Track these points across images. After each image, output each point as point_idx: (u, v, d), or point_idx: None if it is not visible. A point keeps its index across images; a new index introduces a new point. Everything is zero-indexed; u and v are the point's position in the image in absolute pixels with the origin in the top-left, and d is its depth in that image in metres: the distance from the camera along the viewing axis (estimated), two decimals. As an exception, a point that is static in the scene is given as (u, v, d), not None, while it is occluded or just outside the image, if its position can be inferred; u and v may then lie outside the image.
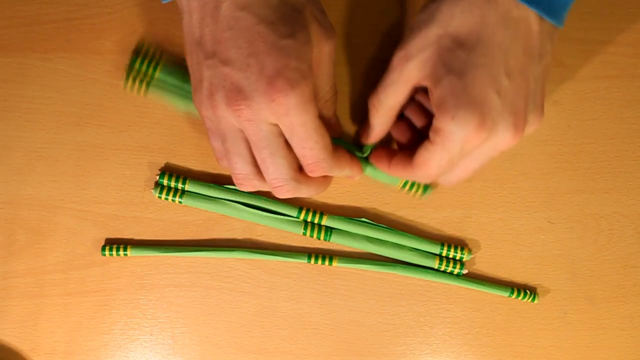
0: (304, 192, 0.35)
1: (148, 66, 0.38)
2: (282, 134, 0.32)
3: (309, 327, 0.40)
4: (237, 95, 0.30)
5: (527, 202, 0.40)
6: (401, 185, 0.39)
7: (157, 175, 0.39)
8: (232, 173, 0.34)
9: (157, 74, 0.38)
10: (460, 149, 0.31)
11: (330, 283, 0.40)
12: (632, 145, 0.40)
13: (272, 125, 0.31)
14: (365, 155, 0.38)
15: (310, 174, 0.34)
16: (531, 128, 0.33)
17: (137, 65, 0.38)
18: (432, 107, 0.32)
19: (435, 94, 0.31)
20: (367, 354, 0.40)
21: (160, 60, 0.38)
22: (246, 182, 0.34)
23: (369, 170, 0.38)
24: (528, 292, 0.40)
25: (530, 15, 0.31)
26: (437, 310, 0.40)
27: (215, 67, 0.31)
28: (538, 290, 0.41)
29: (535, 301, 0.40)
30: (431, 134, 0.32)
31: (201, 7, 0.30)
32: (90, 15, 0.39)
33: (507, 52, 0.31)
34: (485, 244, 0.40)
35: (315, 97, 0.35)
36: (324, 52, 0.33)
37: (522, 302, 0.40)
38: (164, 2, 0.32)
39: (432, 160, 0.32)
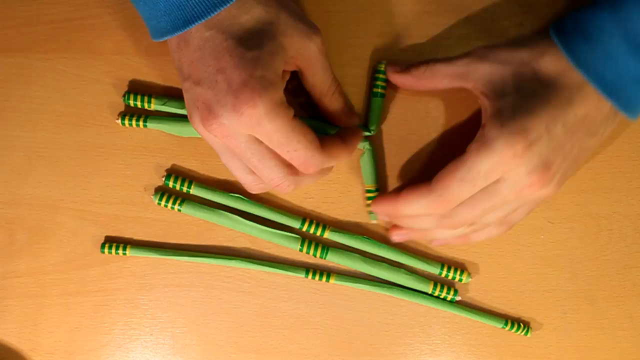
0: (306, 181, 0.35)
1: (142, 101, 0.38)
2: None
3: (309, 327, 0.40)
4: (208, 114, 0.31)
5: (527, 202, 0.40)
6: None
7: (162, 177, 0.39)
8: (240, 182, 0.35)
9: (153, 107, 0.38)
10: (488, 173, 0.32)
11: (330, 283, 0.40)
12: (632, 145, 0.40)
13: (250, 135, 0.31)
14: (372, 133, 0.39)
15: (304, 172, 0.34)
16: (540, 193, 0.33)
17: (130, 102, 0.38)
18: (484, 117, 0.33)
19: (495, 105, 0.32)
20: (367, 354, 0.40)
21: (152, 95, 0.39)
22: (253, 187, 0.35)
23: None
24: (522, 325, 0.40)
25: (607, 101, 0.32)
26: (437, 310, 0.40)
27: (190, 89, 0.32)
28: (539, 289, 0.41)
29: (529, 335, 0.40)
30: (469, 147, 0.32)
31: (176, 35, 0.31)
32: (90, 15, 0.39)
33: (573, 109, 0.32)
34: (485, 243, 0.40)
35: (321, 94, 0.36)
36: (311, 50, 0.33)
37: (521, 302, 0.40)
38: (154, 40, 0.33)
39: (456, 175, 0.32)
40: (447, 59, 0.35)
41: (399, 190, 0.35)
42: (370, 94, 0.39)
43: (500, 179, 0.32)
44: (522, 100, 0.32)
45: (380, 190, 0.39)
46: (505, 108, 0.32)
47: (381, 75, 0.38)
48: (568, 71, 0.32)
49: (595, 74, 0.31)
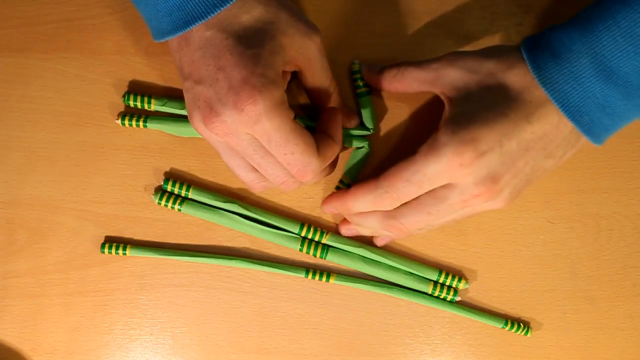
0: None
1: (142, 102, 0.38)
2: None
3: (309, 327, 0.40)
4: (209, 113, 0.31)
5: (527, 202, 0.40)
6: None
7: (162, 179, 0.39)
8: (242, 181, 0.35)
9: (152, 107, 0.38)
10: (434, 178, 0.32)
11: (330, 283, 0.40)
12: (632, 145, 0.40)
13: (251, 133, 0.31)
14: (371, 132, 0.39)
15: (301, 180, 0.33)
16: (488, 205, 0.33)
17: (130, 103, 0.38)
18: (441, 121, 0.33)
19: (453, 110, 0.32)
20: (367, 354, 0.40)
21: (152, 96, 0.39)
22: (256, 186, 0.35)
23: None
24: (522, 325, 0.40)
25: (569, 122, 0.32)
26: (437, 310, 0.40)
27: (191, 88, 0.32)
28: (539, 289, 0.41)
29: (529, 335, 0.40)
30: (420, 149, 0.32)
31: (178, 35, 0.31)
32: (91, 15, 0.39)
33: (531, 125, 0.31)
34: (485, 243, 0.40)
35: (320, 94, 0.36)
36: (310, 49, 0.33)
37: (521, 302, 0.40)
38: (156, 41, 0.33)
39: (403, 175, 0.32)
40: (418, 63, 0.35)
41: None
42: (355, 95, 0.39)
43: (449, 185, 0.32)
44: (481, 110, 0.32)
45: None
46: (462, 115, 0.32)
47: (357, 75, 0.39)
48: (532, 87, 0.31)
49: (559, 93, 0.31)
